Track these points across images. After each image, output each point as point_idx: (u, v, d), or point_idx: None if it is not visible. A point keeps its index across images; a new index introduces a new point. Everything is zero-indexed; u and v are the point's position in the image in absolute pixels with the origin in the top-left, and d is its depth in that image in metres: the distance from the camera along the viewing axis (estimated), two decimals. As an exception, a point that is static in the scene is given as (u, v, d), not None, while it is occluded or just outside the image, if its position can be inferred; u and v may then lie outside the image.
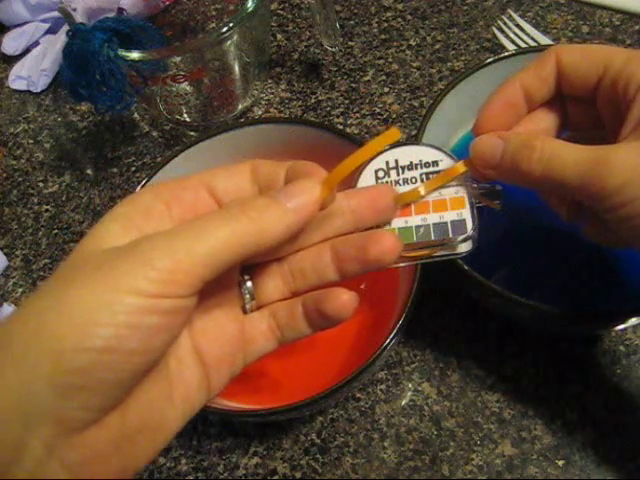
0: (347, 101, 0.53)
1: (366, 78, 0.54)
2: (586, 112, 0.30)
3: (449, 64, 0.54)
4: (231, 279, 0.26)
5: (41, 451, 0.20)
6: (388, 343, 0.32)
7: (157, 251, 0.21)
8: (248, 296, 0.27)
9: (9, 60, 0.62)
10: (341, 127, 0.51)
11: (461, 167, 0.29)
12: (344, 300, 0.26)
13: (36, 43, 0.61)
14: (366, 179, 0.30)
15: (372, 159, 0.31)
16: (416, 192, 0.29)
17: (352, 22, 0.58)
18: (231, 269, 0.24)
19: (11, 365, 0.20)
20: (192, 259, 0.21)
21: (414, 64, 0.55)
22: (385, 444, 0.38)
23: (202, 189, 0.25)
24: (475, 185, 0.30)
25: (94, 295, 0.20)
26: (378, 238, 0.26)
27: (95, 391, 0.20)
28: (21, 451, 0.20)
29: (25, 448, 0.20)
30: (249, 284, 0.27)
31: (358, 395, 0.39)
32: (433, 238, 0.29)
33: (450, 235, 0.28)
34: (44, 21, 0.61)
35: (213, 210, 0.24)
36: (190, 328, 0.25)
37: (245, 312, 0.27)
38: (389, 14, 0.58)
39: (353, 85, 0.54)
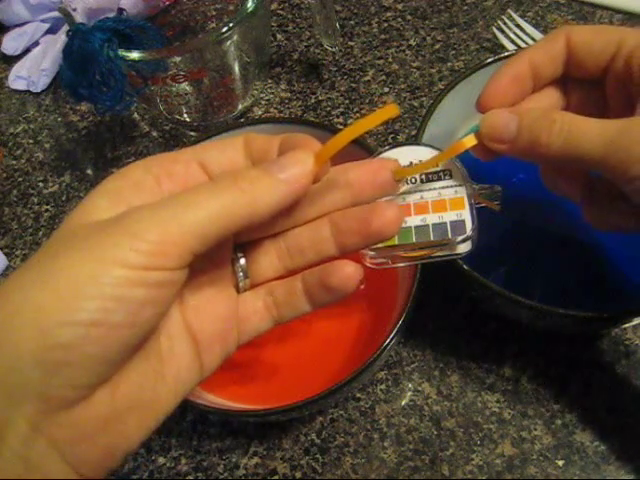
0: (347, 101, 0.53)
1: (366, 78, 0.54)
2: (588, 97, 0.29)
3: (449, 64, 0.54)
4: (224, 257, 0.26)
5: (26, 428, 0.19)
6: (388, 343, 0.32)
7: (145, 222, 0.20)
8: (241, 274, 0.26)
9: (9, 60, 0.62)
10: (341, 127, 0.51)
11: (470, 141, 0.29)
12: (349, 272, 0.25)
13: (36, 43, 0.61)
14: (366, 179, 0.30)
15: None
16: (415, 167, 0.29)
17: (352, 22, 0.58)
18: (224, 246, 0.24)
19: None
20: (181, 230, 0.20)
21: (414, 64, 0.55)
22: (385, 444, 0.38)
23: (194, 163, 0.25)
24: (475, 185, 0.30)
25: (79, 267, 0.19)
26: (380, 210, 0.25)
27: (81, 367, 0.20)
28: (6, 428, 0.19)
29: (10, 425, 0.19)
30: (242, 262, 0.26)
31: (358, 395, 0.39)
32: (432, 238, 0.29)
33: (449, 235, 0.28)
34: (44, 21, 0.61)
35: (205, 181, 0.24)
36: (181, 305, 0.24)
37: (238, 291, 0.26)
38: (389, 14, 0.58)
39: (353, 85, 0.54)
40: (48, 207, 0.52)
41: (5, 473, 0.19)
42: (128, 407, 0.22)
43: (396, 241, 0.29)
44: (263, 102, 0.55)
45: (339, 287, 0.25)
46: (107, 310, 0.19)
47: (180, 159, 0.25)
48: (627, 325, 0.37)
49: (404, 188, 0.30)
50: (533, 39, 0.52)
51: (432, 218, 0.29)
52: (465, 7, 0.58)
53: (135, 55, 0.43)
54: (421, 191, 0.30)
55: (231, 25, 0.43)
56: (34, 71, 0.59)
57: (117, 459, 0.22)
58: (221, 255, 0.25)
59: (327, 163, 0.25)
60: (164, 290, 0.21)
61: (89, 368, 0.20)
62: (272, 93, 0.55)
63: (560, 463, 0.36)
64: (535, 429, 0.37)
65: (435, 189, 0.30)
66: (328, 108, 0.53)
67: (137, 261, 0.20)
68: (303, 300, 0.26)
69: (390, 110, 0.25)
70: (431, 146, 0.31)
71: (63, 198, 0.52)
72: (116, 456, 0.22)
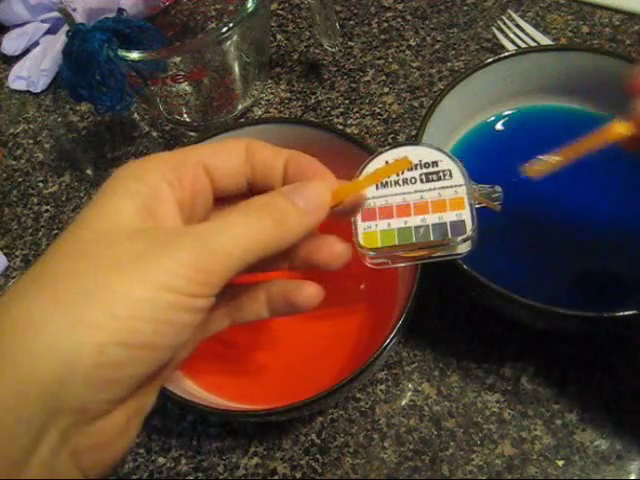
0: (347, 101, 0.53)
1: (366, 78, 0.54)
2: None
3: (449, 64, 0.54)
4: None
5: (57, 439, 0.20)
6: (388, 343, 0.32)
7: (193, 252, 0.21)
8: None
9: (9, 60, 0.62)
10: (341, 127, 0.51)
11: (621, 128, 0.26)
12: (312, 292, 0.26)
13: (36, 43, 0.61)
14: (366, 179, 0.30)
15: (372, 159, 0.31)
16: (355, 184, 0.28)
17: (352, 22, 0.58)
18: None
19: (42, 351, 0.19)
20: (227, 262, 0.22)
21: (414, 64, 0.55)
22: (385, 444, 0.38)
23: (199, 168, 0.25)
24: (475, 185, 0.30)
25: (134, 290, 0.20)
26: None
27: (123, 385, 0.21)
28: (40, 439, 0.20)
29: (44, 436, 0.20)
30: None
31: (358, 395, 0.39)
32: (432, 239, 0.29)
33: (449, 236, 0.28)
34: (44, 21, 0.61)
35: (237, 208, 0.24)
36: None
37: None
38: (389, 14, 0.58)
39: (353, 85, 0.54)
40: (48, 207, 0.52)
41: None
42: (135, 412, 0.23)
43: (396, 241, 0.29)
44: (263, 102, 0.55)
45: (303, 305, 0.26)
46: (159, 333, 0.20)
47: (188, 163, 0.25)
48: (627, 325, 0.37)
49: (404, 188, 0.30)
50: (533, 39, 0.52)
51: (432, 218, 0.29)
52: (465, 7, 0.58)
53: (135, 55, 0.43)
54: (421, 191, 0.30)
55: (231, 25, 0.43)
56: (34, 71, 0.59)
57: (122, 460, 0.23)
58: None
59: (341, 203, 0.26)
60: (202, 314, 0.22)
61: (129, 386, 0.21)
62: (272, 93, 0.55)
63: (560, 463, 0.36)
64: (535, 429, 0.37)
65: (435, 189, 0.30)
66: (328, 108, 0.53)
67: (187, 289, 0.21)
68: (264, 308, 0.27)
69: (406, 163, 0.28)
70: (431, 146, 0.31)
71: (63, 198, 0.52)
72: (123, 457, 0.23)
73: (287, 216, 0.23)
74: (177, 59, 0.46)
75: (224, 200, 0.27)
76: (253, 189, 0.27)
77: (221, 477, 0.38)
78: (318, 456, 0.38)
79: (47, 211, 0.52)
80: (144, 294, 0.20)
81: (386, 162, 0.31)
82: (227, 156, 0.26)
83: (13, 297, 0.21)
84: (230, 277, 0.22)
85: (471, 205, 0.29)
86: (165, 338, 0.21)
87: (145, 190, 0.23)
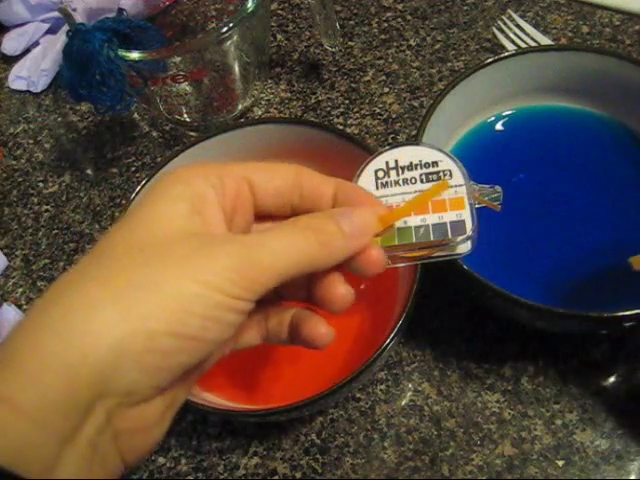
0: (347, 101, 0.53)
1: (366, 78, 0.54)
2: None
3: (449, 64, 0.54)
4: None
5: (103, 419, 0.21)
6: (388, 343, 0.32)
7: (242, 259, 0.23)
8: None
9: (9, 60, 0.62)
10: (341, 127, 0.51)
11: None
12: (322, 331, 0.27)
13: (36, 43, 0.61)
14: (366, 179, 0.30)
15: (372, 159, 0.31)
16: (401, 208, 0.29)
17: (352, 22, 0.58)
18: None
19: (97, 334, 0.20)
20: (270, 273, 0.23)
21: (414, 64, 0.55)
22: (385, 444, 0.38)
23: (243, 182, 0.26)
24: (475, 185, 0.30)
25: (186, 286, 0.22)
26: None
27: (169, 372, 0.22)
28: (87, 417, 0.21)
29: (92, 414, 0.21)
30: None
31: (358, 395, 0.39)
32: (432, 239, 0.29)
33: (449, 236, 0.28)
34: (44, 21, 0.61)
35: (285, 224, 0.25)
36: None
37: None
38: (389, 14, 0.58)
39: (353, 85, 0.54)
40: (48, 207, 0.52)
41: (77, 458, 0.21)
42: (171, 404, 0.24)
43: (396, 241, 0.29)
44: (263, 102, 0.55)
45: (312, 342, 0.27)
46: (205, 328, 0.22)
47: (232, 174, 0.26)
48: (627, 325, 0.37)
49: (404, 188, 0.30)
50: (533, 39, 0.52)
51: (432, 218, 0.29)
52: (465, 7, 0.58)
53: (135, 55, 0.43)
54: (421, 191, 0.30)
55: (231, 25, 0.43)
56: (34, 71, 0.59)
57: (155, 447, 0.24)
58: None
59: (386, 230, 0.27)
60: (242, 317, 0.24)
61: (173, 375, 0.22)
62: (272, 93, 0.55)
63: (560, 463, 0.36)
64: (535, 429, 0.37)
65: (435, 189, 0.30)
66: (328, 108, 0.53)
67: (232, 291, 0.22)
68: (285, 333, 0.28)
69: (444, 185, 0.29)
70: (431, 146, 0.31)
71: (63, 198, 0.52)
72: (156, 445, 0.24)
73: (332, 239, 0.25)
74: (177, 59, 0.46)
75: (266, 218, 0.28)
76: (298, 214, 0.27)
77: (221, 477, 0.38)
78: (318, 456, 0.38)
79: (47, 211, 0.52)
80: (195, 290, 0.22)
81: (386, 162, 0.30)
82: (272, 176, 0.27)
83: (71, 280, 0.22)
84: (270, 287, 0.23)
85: (471, 205, 0.29)
86: (210, 333, 0.22)
87: (194, 194, 0.24)
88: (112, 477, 0.23)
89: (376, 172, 0.30)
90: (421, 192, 0.29)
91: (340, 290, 0.26)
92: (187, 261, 0.22)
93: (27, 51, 0.61)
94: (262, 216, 0.27)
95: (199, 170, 0.25)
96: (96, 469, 0.22)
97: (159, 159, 0.53)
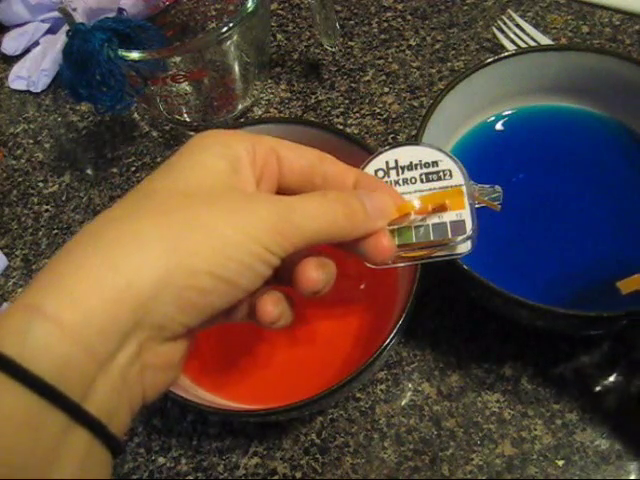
0: (347, 101, 0.53)
1: (366, 78, 0.54)
2: None
3: (449, 64, 0.54)
4: None
5: (134, 351, 0.22)
6: (388, 343, 0.32)
7: (279, 217, 0.24)
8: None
9: (9, 60, 0.62)
10: (341, 127, 0.51)
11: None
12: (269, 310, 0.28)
13: (36, 43, 0.61)
14: (366, 179, 0.30)
15: (372, 159, 0.31)
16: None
17: (352, 22, 0.58)
18: None
19: (143, 264, 0.22)
20: (301, 233, 0.25)
21: (414, 64, 0.55)
22: (385, 444, 0.38)
23: (272, 153, 0.27)
24: (475, 185, 0.30)
25: (230, 232, 0.23)
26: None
27: (201, 313, 0.23)
28: (121, 347, 0.22)
29: (124, 345, 0.22)
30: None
31: (358, 395, 0.39)
32: (432, 238, 0.29)
33: (449, 235, 0.28)
34: (44, 21, 0.61)
35: (315, 194, 0.27)
36: None
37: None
38: (389, 14, 0.58)
39: (353, 85, 0.54)
40: (48, 207, 0.52)
41: (108, 386, 0.21)
42: (185, 351, 0.25)
43: (396, 241, 0.29)
44: (263, 102, 0.55)
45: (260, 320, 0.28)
46: (240, 274, 0.23)
47: (263, 143, 0.27)
48: (627, 324, 0.37)
49: (404, 188, 0.30)
50: (533, 39, 0.52)
51: (432, 218, 0.29)
52: (465, 7, 0.58)
53: (135, 55, 0.43)
54: (421, 191, 0.30)
55: (231, 25, 0.43)
56: (34, 71, 0.59)
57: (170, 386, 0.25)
58: None
59: (402, 218, 0.29)
60: (270, 271, 0.25)
61: (204, 315, 0.23)
62: (272, 93, 0.55)
63: (560, 463, 0.36)
64: (535, 429, 0.37)
65: (435, 189, 0.30)
66: (328, 108, 0.53)
67: (266, 244, 0.24)
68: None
69: (459, 192, 0.29)
70: (431, 146, 0.31)
71: (63, 198, 0.52)
72: (169, 386, 0.25)
73: (356, 214, 0.26)
74: (177, 59, 0.46)
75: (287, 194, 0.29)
76: None
77: (221, 477, 0.38)
78: (318, 456, 0.38)
79: (47, 211, 0.52)
80: (237, 238, 0.23)
81: (386, 162, 0.31)
82: (298, 155, 0.28)
83: (115, 216, 0.24)
84: (298, 248, 0.25)
85: (471, 205, 0.29)
86: (243, 279, 0.24)
87: (232, 155, 0.26)
88: (133, 411, 0.23)
89: (376, 172, 0.30)
90: (430, 192, 0.29)
91: (312, 274, 0.27)
92: (231, 210, 0.24)
93: (27, 51, 0.61)
94: (284, 191, 0.28)
95: (234, 134, 0.27)
96: (123, 400, 0.22)
97: (159, 159, 0.53)
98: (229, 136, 0.27)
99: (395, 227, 0.29)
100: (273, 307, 0.27)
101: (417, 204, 0.29)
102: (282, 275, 0.27)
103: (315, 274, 0.27)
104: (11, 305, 0.21)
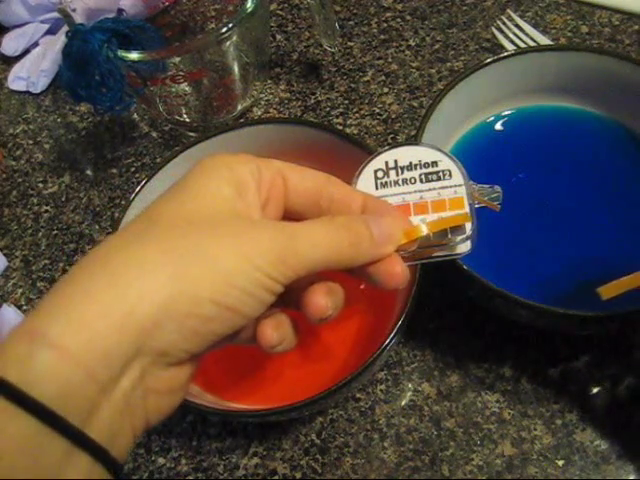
0: (346, 101, 0.53)
1: (365, 78, 0.54)
2: None
3: (448, 64, 0.54)
4: None
5: (138, 375, 0.22)
6: (388, 343, 0.32)
7: (282, 245, 0.24)
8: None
9: (9, 61, 0.62)
10: (340, 127, 0.51)
11: None
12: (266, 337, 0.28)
13: (35, 44, 0.61)
14: (365, 179, 0.30)
15: (371, 159, 0.31)
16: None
17: (351, 22, 0.58)
18: None
19: (148, 291, 0.22)
20: (305, 262, 0.25)
21: (413, 64, 0.55)
22: (385, 444, 0.38)
23: (278, 175, 0.27)
24: (475, 185, 0.30)
25: (233, 260, 0.23)
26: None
27: (203, 339, 0.23)
28: (125, 371, 0.22)
29: (128, 370, 0.22)
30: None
31: (358, 395, 0.39)
32: (432, 239, 0.29)
33: (449, 235, 0.28)
34: (44, 22, 0.61)
35: (321, 220, 0.27)
36: None
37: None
38: (388, 14, 0.58)
39: (352, 85, 0.54)
40: (48, 208, 0.52)
41: (112, 410, 0.22)
42: (191, 374, 0.25)
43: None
44: (262, 102, 0.55)
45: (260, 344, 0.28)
46: (242, 301, 0.23)
47: (269, 165, 0.27)
48: (627, 324, 0.37)
49: (404, 188, 0.30)
50: (533, 39, 0.52)
51: (432, 218, 0.29)
52: (464, 7, 0.58)
53: (134, 56, 0.43)
54: (421, 191, 0.30)
55: (230, 25, 0.43)
56: (34, 72, 0.59)
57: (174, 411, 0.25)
58: None
59: (408, 244, 0.28)
60: (273, 298, 0.25)
61: (207, 342, 0.23)
62: (271, 93, 0.55)
63: (560, 463, 0.36)
64: (535, 429, 0.37)
65: (435, 189, 0.30)
66: (327, 108, 0.53)
67: (271, 273, 0.24)
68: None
69: (465, 217, 0.29)
70: (430, 146, 0.31)
71: (62, 199, 0.52)
72: (174, 409, 0.25)
73: (362, 241, 0.26)
74: (176, 59, 0.46)
75: (293, 218, 0.29)
76: None
77: (221, 477, 0.38)
78: (318, 456, 0.38)
79: (47, 211, 0.52)
80: (239, 265, 0.23)
81: (386, 163, 0.30)
82: (304, 177, 0.28)
83: (125, 239, 0.24)
84: (301, 275, 0.25)
85: (471, 205, 0.29)
86: (246, 307, 0.24)
87: (238, 179, 0.26)
88: (135, 435, 0.23)
89: (375, 172, 0.30)
90: (420, 191, 0.30)
91: (320, 302, 0.26)
92: (235, 238, 0.24)
93: (27, 52, 0.61)
94: (290, 213, 0.28)
95: (240, 157, 0.27)
96: (126, 424, 0.23)
97: (158, 160, 0.53)
98: (235, 159, 0.27)
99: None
100: (273, 331, 0.26)
101: (425, 229, 0.28)
102: (289, 299, 0.27)
103: (323, 301, 0.26)
104: (15, 329, 0.21)
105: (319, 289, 0.27)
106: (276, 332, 0.26)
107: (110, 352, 0.21)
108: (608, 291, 0.28)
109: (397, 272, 0.27)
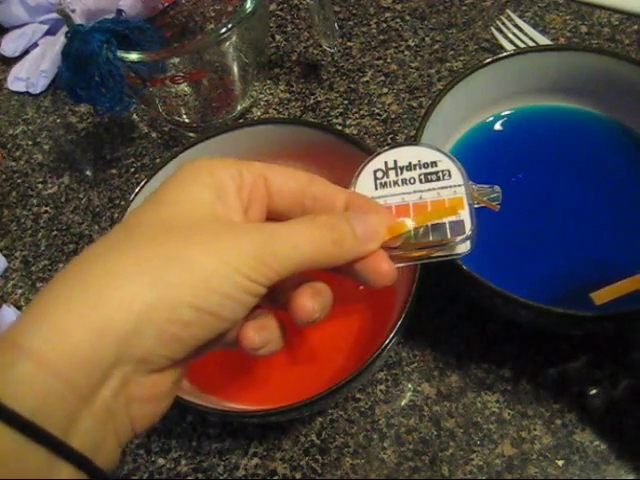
0: (346, 102, 0.53)
1: (365, 79, 0.54)
2: None
3: (448, 64, 0.54)
4: None
5: (118, 383, 0.22)
6: (388, 343, 0.32)
7: (262, 247, 0.24)
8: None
9: (8, 62, 0.62)
10: (340, 128, 0.51)
11: None
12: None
13: (35, 44, 0.61)
14: (365, 180, 0.30)
15: (371, 159, 0.31)
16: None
17: (351, 23, 0.58)
18: None
19: (124, 300, 0.22)
20: (286, 263, 0.24)
21: (413, 64, 0.55)
22: (385, 444, 0.38)
23: (260, 177, 0.27)
24: (474, 186, 0.30)
25: (211, 263, 0.23)
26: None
27: (185, 345, 0.23)
28: (105, 380, 0.22)
29: (109, 378, 0.22)
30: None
31: (358, 395, 0.39)
32: (432, 239, 0.29)
33: (449, 236, 0.28)
34: (43, 22, 0.61)
35: (303, 220, 0.26)
36: None
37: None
38: (388, 15, 0.58)
39: (352, 86, 0.54)
40: (47, 208, 0.52)
41: (92, 420, 0.22)
42: (177, 380, 0.25)
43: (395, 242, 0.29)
44: (262, 103, 0.55)
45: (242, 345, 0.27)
46: (223, 305, 0.23)
47: (250, 168, 0.27)
48: (627, 324, 0.37)
49: (403, 188, 0.30)
50: (532, 39, 0.52)
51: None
52: (464, 7, 0.58)
53: (134, 56, 0.43)
54: (420, 191, 0.30)
55: (230, 26, 0.43)
56: (33, 72, 0.59)
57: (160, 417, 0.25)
58: None
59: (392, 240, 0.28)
60: (255, 300, 0.25)
61: (189, 347, 0.23)
62: (271, 94, 0.55)
63: (560, 463, 0.36)
64: (535, 429, 0.37)
65: (434, 189, 0.30)
66: (327, 109, 0.53)
67: (251, 275, 0.24)
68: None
69: (451, 210, 0.29)
70: (430, 146, 0.31)
71: (62, 199, 0.52)
72: (161, 416, 0.25)
73: (345, 239, 0.26)
74: (176, 60, 0.46)
75: (277, 218, 0.29)
76: None
77: (221, 478, 0.38)
78: (318, 456, 0.38)
79: (46, 212, 0.52)
80: (219, 269, 0.23)
81: (385, 163, 0.31)
82: (286, 178, 0.28)
83: (98, 252, 0.24)
84: (284, 276, 0.25)
85: (470, 205, 0.29)
86: (226, 311, 0.24)
87: (217, 183, 0.26)
88: (121, 442, 0.23)
89: (375, 172, 0.30)
90: (420, 191, 0.30)
91: (307, 304, 0.26)
92: (213, 242, 0.24)
93: (26, 52, 0.61)
94: (274, 214, 0.28)
95: (220, 162, 0.27)
96: (109, 433, 0.22)
97: (158, 160, 0.53)
98: (215, 164, 0.27)
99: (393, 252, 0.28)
100: (255, 333, 0.26)
101: (409, 224, 0.28)
102: (278, 300, 0.27)
103: (310, 304, 0.26)
104: None
105: (305, 291, 0.26)
106: (258, 335, 0.26)
107: (89, 362, 0.21)
108: (601, 297, 0.28)
109: (384, 269, 0.27)
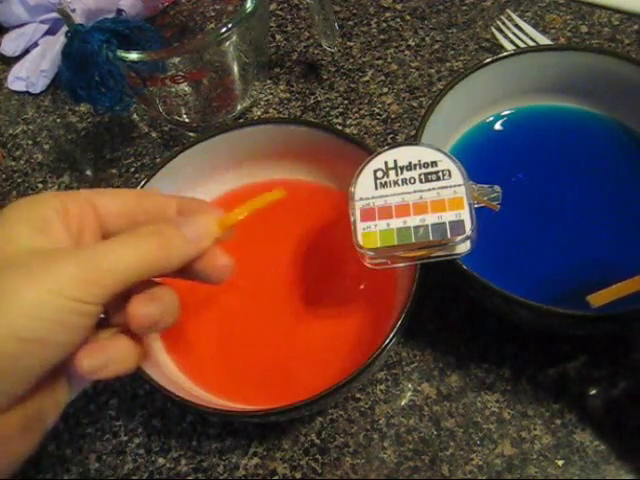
0: (346, 101, 0.53)
1: (365, 78, 0.54)
2: None
3: (448, 64, 0.54)
4: None
5: None
6: (388, 343, 0.32)
7: (82, 265, 0.24)
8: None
9: (8, 61, 0.62)
10: (340, 127, 0.51)
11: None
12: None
13: (35, 44, 0.61)
14: (365, 180, 0.31)
15: (371, 159, 0.31)
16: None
17: (351, 22, 0.58)
18: None
19: None
20: (111, 276, 0.25)
21: (413, 64, 0.55)
22: (385, 444, 0.38)
23: (87, 205, 0.28)
24: (474, 185, 0.30)
25: (29, 293, 0.23)
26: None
27: (20, 377, 0.23)
28: None
29: None
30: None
31: (358, 395, 0.39)
32: (432, 238, 0.29)
33: (449, 235, 0.29)
34: (43, 22, 0.61)
35: (127, 232, 0.27)
36: None
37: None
38: (388, 14, 0.58)
39: (352, 85, 0.54)
40: (47, 208, 0.52)
41: None
42: (36, 417, 0.25)
43: (395, 241, 0.29)
44: (262, 103, 0.55)
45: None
46: (52, 330, 0.23)
47: (75, 198, 0.28)
48: (627, 324, 0.37)
49: (403, 188, 0.30)
50: (532, 39, 0.52)
51: (431, 218, 0.29)
52: (464, 7, 0.58)
53: (134, 56, 0.43)
54: (420, 191, 0.30)
55: (230, 26, 0.43)
56: (33, 72, 0.59)
57: (17, 467, 0.25)
58: None
59: (227, 230, 0.29)
60: (91, 320, 0.25)
61: (25, 379, 0.23)
62: (271, 93, 0.55)
63: (560, 463, 0.36)
64: (535, 429, 0.37)
65: (434, 189, 0.30)
66: (327, 108, 0.53)
67: (75, 295, 0.24)
68: None
69: (277, 194, 0.30)
70: (430, 146, 0.31)
71: (62, 199, 0.52)
72: (18, 464, 0.25)
73: (171, 241, 0.27)
74: (176, 60, 0.46)
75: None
76: None
77: (221, 478, 0.38)
78: (318, 456, 0.38)
79: (46, 212, 0.52)
80: (37, 297, 0.23)
81: (385, 163, 0.31)
82: (114, 200, 0.29)
83: None
84: (115, 291, 0.25)
85: (470, 205, 0.29)
86: (59, 335, 0.24)
87: (36, 217, 0.26)
88: None
89: (375, 172, 0.31)
90: (420, 191, 0.30)
91: (139, 311, 0.26)
92: (30, 272, 0.24)
93: (26, 52, 0.61)
94: (112, 237, 0.29)
95: (41, 197, 0.28)
96: None
97: (158, 160, 0.53)
98: (36, 199, 0.27)
99: (384, 229, 0.29)
100: (85, 356, 0.26)
101: (239, 214, 0.29)
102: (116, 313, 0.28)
103: (143, 310, 0.26)
104: None
105: (138, 298, 0.27)
106: (90, 359, 0.26)
107: None
108: (597, 299, 0.28)
109: (221, 264, 0.28)
